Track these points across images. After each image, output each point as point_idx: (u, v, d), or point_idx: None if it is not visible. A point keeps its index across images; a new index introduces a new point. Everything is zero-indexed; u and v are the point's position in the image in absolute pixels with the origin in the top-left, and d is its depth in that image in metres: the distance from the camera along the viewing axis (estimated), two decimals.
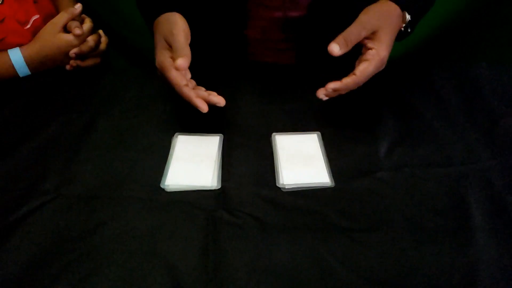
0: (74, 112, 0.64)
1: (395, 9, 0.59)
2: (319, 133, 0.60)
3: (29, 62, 0.69)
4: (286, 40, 0.76)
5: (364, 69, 0.55)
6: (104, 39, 0.75)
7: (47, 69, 0.72)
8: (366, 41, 0.57)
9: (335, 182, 0.53)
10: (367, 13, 0.58)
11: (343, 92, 0.56)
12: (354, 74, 0.55)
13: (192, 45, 0.58)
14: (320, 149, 0.58)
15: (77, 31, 0.69)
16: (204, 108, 0.55)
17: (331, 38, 0.63)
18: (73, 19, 0.72)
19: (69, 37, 0.70)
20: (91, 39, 0.72)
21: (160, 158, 0.57)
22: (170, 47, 0.57)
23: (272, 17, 0.72)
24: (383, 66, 0.57)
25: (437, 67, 0.74)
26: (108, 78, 0.73)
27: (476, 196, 0.52)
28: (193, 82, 0.60)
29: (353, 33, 0.55)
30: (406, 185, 0.53)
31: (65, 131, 0.61)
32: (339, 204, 0.51)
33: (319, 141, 0.59)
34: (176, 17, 0.59)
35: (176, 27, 0.57)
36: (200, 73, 0.64)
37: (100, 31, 0.77)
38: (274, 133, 0.60)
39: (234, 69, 0.73)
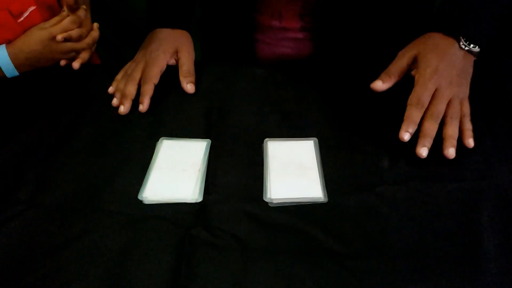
0: (55, 114, 0.60)
1: (435, 34, 0.57)
2: (315, 139, 0.55)
3: (14, 60, 0.65)
4: (303, 30, 0.71)
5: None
6: (95, 33, 0.71)
7: (36, 68, 0.68)
8: (412, 72, 0.57)
9: (328, 197, 0.48)
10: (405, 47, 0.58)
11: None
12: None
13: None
14: (315, 158, 0.52)
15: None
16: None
17: (350, 26, 0.63)
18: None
19: (51, 28, 0.66)
20: (74, 33, 0.68)
21: (143, 166, 0.53)
22: (176, 60, 0.66)
23: (289, 1, 0.67)
24: (434, 80, 0.53)
25: None
26: (94, 77, 0.69)
27: (490, 217, 0.45)
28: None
29: (393, 65, 0.57)
30: (409, 203, 0.47)
31: (45, 135, 0.57)
32: (331, 224, 0.45)
33: (315, 148, 0.53)
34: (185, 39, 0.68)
35: (185, 49, 0.66)
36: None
37: (95, 25, 0.73)
38: (266, 139, 0.55)
39: (234, 64, 0.68)
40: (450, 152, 0.50)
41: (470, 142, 0.52)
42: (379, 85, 0.56)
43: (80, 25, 0.70)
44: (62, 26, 0.68)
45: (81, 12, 0.71)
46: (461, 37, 0.56)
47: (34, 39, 0.65)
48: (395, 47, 0.69)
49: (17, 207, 0.48)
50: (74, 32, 0.68)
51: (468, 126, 0.53)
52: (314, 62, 0.72)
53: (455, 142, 0.51)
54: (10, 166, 0.53)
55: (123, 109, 0.60)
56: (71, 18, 0.69)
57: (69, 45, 0.68)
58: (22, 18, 0.69)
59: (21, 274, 0.42)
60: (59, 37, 0.66)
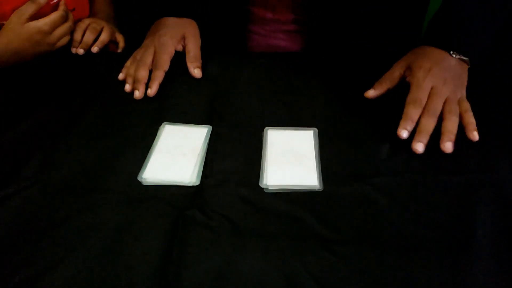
0: (66, 97, 0.63)
1: (427, 46, 0.59)
2: (315, 129, 0.55)
3: None
4: (295, 22, 0.72)
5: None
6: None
7: (22, 61, 0.68)
8: (406, 79, 0.57)
9: (324, 185, 0.48)
10: None
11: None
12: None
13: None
14: (313, 148, 0.53)
15: None
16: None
17: (342, 19, 0.64)
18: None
19: (37, 23, 0.66)
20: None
21: (145, 149, 0.54)
22: (183, 46, 0.68)
23: None
24: (428, 80, 0.54)
25: None
26: (102, 63, 0.70)
27: (486, 211, 0.45)
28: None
29: (386, 74, 0.59)
30: (405, 194, 0.47)
31: (53, 117, 0.59)
32: (324, 211, 0.46)
33: (314, 138, 0.54)
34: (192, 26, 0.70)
35: (191, 35, 0.68)
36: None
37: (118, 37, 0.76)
38: (267, 127, 0.56)
39: (235, 55, 0.69)
40: (447, 146, 0.50)
41: (475, 135, 0.52)
42: (371, 93, 0.59)
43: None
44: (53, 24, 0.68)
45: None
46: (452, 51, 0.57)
47: (21, 37, 0.65)
48: (387, 39, 0.69)
49: (22, 183, 0.50)
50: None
51: (471, 120, 0.53)
52: (315, 55, 0.72)
53: (453, 137, 0.51)
54: (19, 144, 0.55)
55: (138, 94, 0.61)
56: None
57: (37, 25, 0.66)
58: (55, 0, 0.69)
59: (21, 246, 0.43)
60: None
